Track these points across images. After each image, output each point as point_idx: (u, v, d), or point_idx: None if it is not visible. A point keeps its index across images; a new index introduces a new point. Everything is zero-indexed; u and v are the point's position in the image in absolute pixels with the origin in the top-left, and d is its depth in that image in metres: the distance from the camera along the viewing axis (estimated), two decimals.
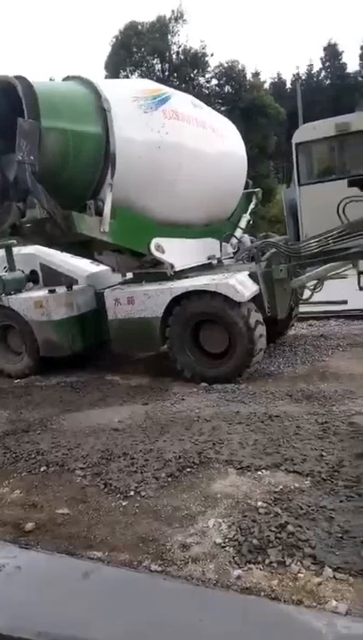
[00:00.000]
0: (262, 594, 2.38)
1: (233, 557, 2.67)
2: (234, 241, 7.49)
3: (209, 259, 6.78)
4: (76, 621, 2.26)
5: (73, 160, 5.20)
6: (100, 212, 5.41)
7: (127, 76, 32.14)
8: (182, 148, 5.89)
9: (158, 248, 5.97)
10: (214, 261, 6.83)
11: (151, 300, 5.88)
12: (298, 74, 44.98)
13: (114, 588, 2.54)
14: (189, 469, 3.66)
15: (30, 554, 2.91)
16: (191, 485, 3.46)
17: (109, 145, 5.34)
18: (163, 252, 6.01)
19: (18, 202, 5.13)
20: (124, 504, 3.33)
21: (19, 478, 3.90)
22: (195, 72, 34.89)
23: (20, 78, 4.99)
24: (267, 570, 2.54)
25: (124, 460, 3.90)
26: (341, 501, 3.01)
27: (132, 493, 3.43)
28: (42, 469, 3.98)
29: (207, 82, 35.85)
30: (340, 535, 2.68)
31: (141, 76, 32.04)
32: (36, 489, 3.71)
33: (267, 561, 2.59)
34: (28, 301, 6.69)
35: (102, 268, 7.21)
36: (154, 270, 6.19)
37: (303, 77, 47.74)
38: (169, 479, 3.56)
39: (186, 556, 2.72)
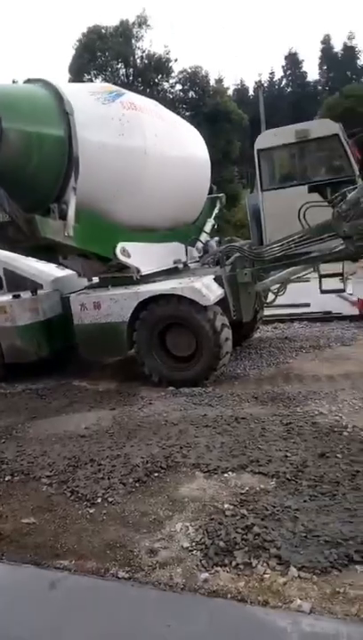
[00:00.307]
0: (229, 596, 2.40)
1: (200, 561, 2.69)
2: (199, 245, 7.55)
3: (175, 263, 6.81)
4: (44, 631, 2.23)
5: (35, 162, 5.12)
6: (63, 216, 5.35)
7: (91, 80, 31.97)
8: (146, 153, 5.90)
9: (124, 252, 5.95)
10: (180, 265, 6.87)
11: (118, 304, 5.86)
12: (260, 81, 45.95)
13: (81, 596, 2.52)
14: (156, 474, 3.67)
15: None
16: (159, 490, 3.47)
17: (72, 148, 5.29)
18: (128, 256, 6.00)
19: None
20: (91, 511, 3.30)
21: None
22: (159, 77, 35.06)
23: None
24: (234, 572, 2.57)
25: (91, 467, 3.87)
26: (304, 501, 3.08)
27: (99, 500, 3.41)
28: (6, 479, 3.90)
29: (171, 87, 36.09)
30: (304, 535, 2.74)
31: (106, 80, 31.97)
32: (0, 499, 3.63)
33: (234, 563, 2.63)
34: None
35: (68, 272, 7.13)
36: (120, 274, 6.17)
37: (265, 84, 48.71)
38: (137, 484, 3.55)
39: (153, 562, 2.73)
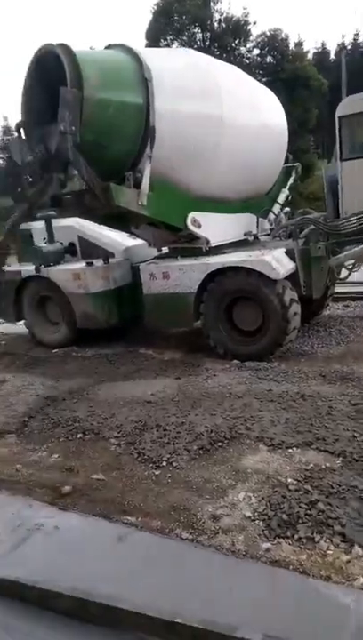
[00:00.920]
0: (291, 567, 2.43)
1: (262, 531, 2.73)
2: (271, 217, 7.35)
3: (246, 235, 6.69)
4: (111, 580, 2.37)
5: (113, 131, 5.18)
6: (138, 185, 5.39)
7: (168, 45, 31.41)
8: (225, 122, 5.76)
9: (195, 222, 5.93)
10: (251, 237, 6.74)
11: (186, 275, 5.88)
12: (343, 43, 42.97)
13: (147, 552, 2.64)
14: (220, 443, 3.72)
15: (67, 515, 3.04)
16: (222, 459, 3.52)
17: (150, 115, 5.27)
18: (199, 226, 5.97)
19: (59, 173, 5.17)
20: (156, 473, 3.42)
21: (57, 443, 4.06)
22: (236, 41, 33.78)
23: (63, 47, 4.97)
24: (296, 545, 2.59)
25: (156, 432, 3.99)
26: None
27: (164, 464, 3.52)
28: (78, 436, 4.12)
29: (249, 51, 34.68)
30: None
31: (182, 44, 31.28)
32: (72, 454, 3.85)
33: (296, 536, 2.64)
34: (66, 273, 6.80)
35: (138, 241, 7.23)
36: (190, 245, 6.17)
37: (349, 47, 45.54)
38: (200, 452, 3.63)
39: (216, 527, 2.80)
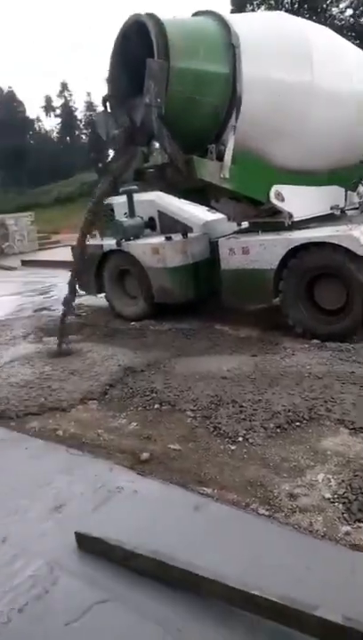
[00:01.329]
0: None
1: (342, 514, 2.65)
2: (361, 189, 6.92)
3: (332, 208, 6.35)
4: (188, 547, 2.42)
5: (199, 101, 5.08)
6: (221, 157, 5.27)
7: (253, 10, 30.12)
8: (315, 88, 5.43)
9: (278, 196, 5.72)
10: (337, 211, 6.38)
11: (267, 250, 5.72)
12: None
13: (223, 523, 2.67)
14: (297, 423, 3.64)
15: (146, 481, 3.14)
16: (300, 439, 3.45)
17: (236, 84, 5.10)
18: (282, 200, 5.75)
19: (142, 146, 5.19)
20: (232, 448, 3.43)
21: (135, 412, 4.18)
22: (327, 2, 31.61)
23: (151, 16, 4.90)
24: None
25: (232, 408, 3.97)
26: None
27: (240, 439, 3.51)
28: (155, 407, 4.22)
29: (341, 12, 32.31)
30: None
31: (269, 8, 29.83)
32: (150, 423, 3.95)
33: None
34: (145, 247, 6.88)
35: (218, 215, 7.13)
36: (271, 219, 5.97)
37: None
38: (277, 430, 3.57)
39: (293, 506, 2.76)
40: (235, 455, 3.34)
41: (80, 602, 2.23)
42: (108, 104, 5.69)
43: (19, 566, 2.52)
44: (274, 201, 5.71)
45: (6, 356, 5.82)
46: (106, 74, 5.62)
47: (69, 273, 6.17)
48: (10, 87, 58.22)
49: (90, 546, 2.53)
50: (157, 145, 5.80)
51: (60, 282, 11.21)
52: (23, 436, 4.00)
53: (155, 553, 2.29)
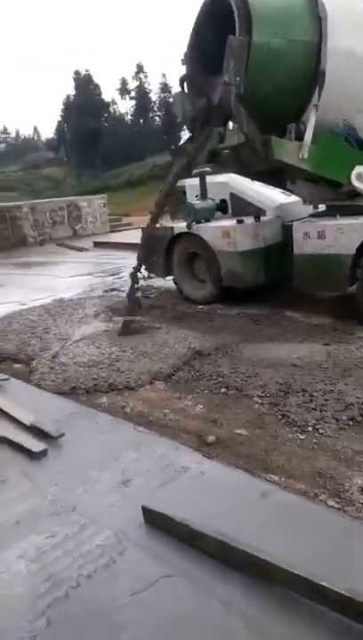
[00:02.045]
0: None
1: None
2: None
3: None
4: (254, 533, 2.40)
5: (280, 79, 4.90)
6: (300, 137, 5.08)
7: None
8: None
9: (360, 177, 5.42)
10: None
11: (344, 235, 5.46)
12: None
13: (291, 512, 2.62)
14: None
15: (212, 463, 3.14)
16: None
17: (320, 59, 4.86)
18: None
19: (219, 127, 5.09)
20: (301, 437, 3.35)
21: (201, 395, 4.19)
22: None
23: None
24: None
25: (302, 396, 3.88)
26: None
27: (309, 429, 3.42)
28: (222, 391, 4.20)
29: None
30: None
31: None
32: (216, 407, 3.95)
33: None
34: (216, 230, 6.81)
35: (293, 198, 6.90)
36: (350, 203, 5.69)
37: None
38: (350, 422, 3.44)
39: None
40: (304, 445, 3.26)
41: (146, 574, 2.28)
42: (185, 84, 5.64)
43: (88, 535, 2.62)
44: (356, 183, 5.43)
45: (78, 334, 6.03)
46: (182, 54, 5.56)
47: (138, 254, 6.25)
48: (87, 70, 59.53)
49: (156, 521, 2.57)
50: (231, 125, 5.69)
51: (130, 263, 11.42)
52: (93, 411, 4.14)
53: (221, 535, 2.29)
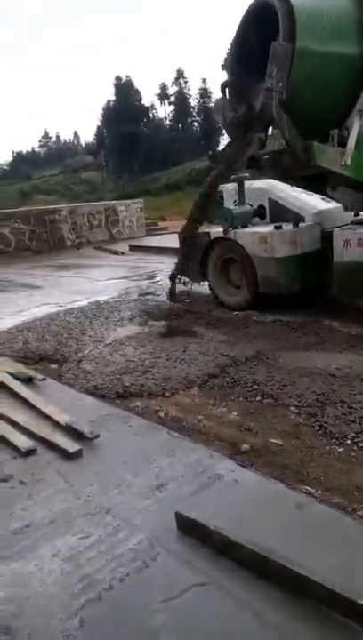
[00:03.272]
0: None
1: None
2: None
3: None
4: (289, 545, 2.35)
5: (323, 85, 4.84)
6: (343, 143, 5.00)
7: None
8: None
9: None
10: None
11: None
12: None
13: (327, 526, 2.56)
14: None
15: (246, 472, 3.11)
16: None
17: None
18: None
19: (260, 133, 5.07)
20: (339, 450, 3.27)
21: (236, 402, 4.16)
22: None
23: None
24: None
25: (341, 408, 3.79)
26: None
27: (348, 442, 3.34)
28: (257, 399, 4.15)
29: None
30: None
31: None
32: (251, 415, 3.90)
33: None
34: (253, 236, 6.77)
35: (333, 205, 6.79)
36: None
37: None
38: None
39: None
40: (342, 458, 3.18)
41: (179, 581, 2.27)
42: (226, 90, 5.64)
43: (121, 537, 2.63)
44: None
45: (113, 337, 6.10)
46: (223, 60, 5.57)
47: (176, 259, 6.26)
48: (128, 75, 60.45)
49: (189, 528, 2.56)
50: (271, 131, 5.65)
51: (165, 267, 11.49)
52: (127, 414, 4.16)
53: (256, 545, 2.26)
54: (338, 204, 6.66)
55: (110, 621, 2.13)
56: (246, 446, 3.41)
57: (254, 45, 5.08)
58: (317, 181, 6.13)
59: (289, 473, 3.07)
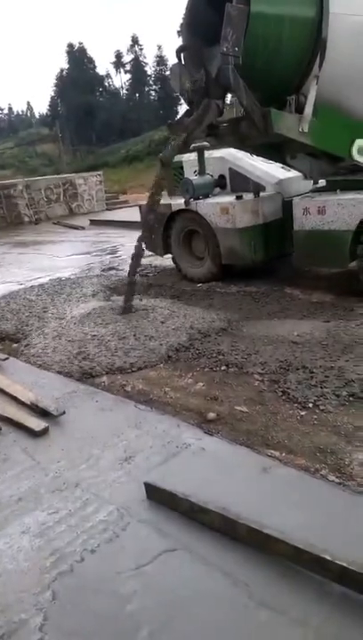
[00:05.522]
0: None
1: None
2: None
3: None
4: (255, 507, 2.43)
5: (279, 49, 4.75)
6: (300, 110, 4.96)
7: None
8: None
9: (361, 151, 5.32)
10: None
11: (345, 210, 5.39)
12: None
13: (291, 486, 2.64)
14: None
15: (213, 439, 3.16)
16: None
17: (322, 28, 4.70)
18: None
19: (217, 99, 4.97)
20: (301, 414, 3.36)
21: (201, 373, 4.19)
22: None
23: None
24: None
25: (302, 373, 3.88)
26: None
27: (310, 405, 3.43)
28: (222, 368, 4.20)
29: None
30: None
31: None
32: (216, 384, 3.95)
33: None
34: (214, 207, 6.72)
35: (293, 173, 6.79)
36: (352, 177, 5.60)
37: None
38: (351, 398, 3.45)
39: None
40: (304, 421, 3.27)
41: (149, 548, 2.31)
42: (182, 56, 5.47)
43: (91, 510, 2.64)
44: (357, 157, 5.34)
45: (76, 313, 6.00)
46: (179, 26, 5.39)
47: (139, 232, 6.14)
48: (80, 43, 57.91)
49: (158, 496, 2.60)
50: (229, 98, 5.55)
51: (127, 242, 11.34)
52: (93, 390, 4.14)
53: (223, 509, 2.31)
54: (298, 173, 6.67)
55: (82, 592, 2.16)
56: (212, 415, 3.46)
57: (209, 8, 4.92)
58: (276, 150, 6.10)
59: (254, 438, 3.14)
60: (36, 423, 3.55)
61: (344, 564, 1.91)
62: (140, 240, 5.84)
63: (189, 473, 2.83)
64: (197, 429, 3.31)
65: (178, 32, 5.22)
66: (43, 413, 3.70)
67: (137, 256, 5.82)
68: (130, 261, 5.97)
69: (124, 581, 2.16)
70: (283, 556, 2.10)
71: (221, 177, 7.30)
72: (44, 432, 3.47)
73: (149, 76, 59.18)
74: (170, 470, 2.88)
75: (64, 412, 3.68)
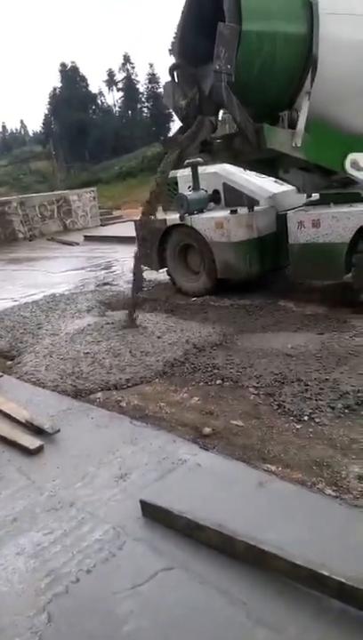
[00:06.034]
0: None
1: None
2: None
3: None
4: (252, 522, 2.40)
5: (272, 67, 4.84)
6: (293, 125, 5.04)
7: None
8: None
9: (354, 165, 5.38)
10: None
11: (340, 223, 5.43)
12: None
13: (288, 501, 2.62)
14: None
15: (209, 454, 3.14)
16: None
17: (312, 45, 4.80)
18: (359, 169, 5.42)
19: (211, 116, 5.04)
20: (297, 427, 3.34)
21: (197, 387, 4.17)
22: None
23: None
24: None
25: (297, 386, 3.87)
26: None
27: (305, 418, 3.42)
28: (217, 382, 4.19)
29: None
30: None
31: None
32: (212, 399, 3.93)
33: None
34: (209, 221, 6.77)
35: (286, 187, 6.87)
36: (345, 191, 5.67)
37: None
38: (346, 411, 3.44)
39: None
40: (300, 434, 3.26)
41: (146, 567, 2.27)
42: (175, 73, 5.56)
43: (86, 530, 2.60)
44: (350, 170, 5.41)
45: (71, 330, 5.97)
46: (170, 44, 5.50)
47: (134, 247, 6.16)
48: (72, 62, 58.66)
49: (154, 514, 2.56)
50: (221, 114, 5.63)
51: (121, 257, 11.39)
52: (88, 406, 4.11)
53: (219, 526, 2.28)
54: (291, 187, 6.74)
55: (78, 613, 2.11)
56: (207, 429, 3.44)
57: (203, 26, 5.01)
58: (269, 164, 6.18)
59: (250, 453, 3.12)
60: (30, 441, 3.51)
61: (342, 580, 1.88)
62: (137, 258, 5.83)
63: (185, 489, 2.80)
64: (193, 445, 3.28)
65: (169, 50, 5.34)
66: (37, 431, 3.66)
67: (138, 274, 5.80)
68: (132, 279, 5.93)
69: (120, 602, 2.12)
70: (281, 572, 2.07)
71: (216, 192, 7.38)
72: (39, 450, 3.43)
73: (142, 93, 59.91)
74: (166, 487, 2.85)
75: (59, 430, 3.64)
